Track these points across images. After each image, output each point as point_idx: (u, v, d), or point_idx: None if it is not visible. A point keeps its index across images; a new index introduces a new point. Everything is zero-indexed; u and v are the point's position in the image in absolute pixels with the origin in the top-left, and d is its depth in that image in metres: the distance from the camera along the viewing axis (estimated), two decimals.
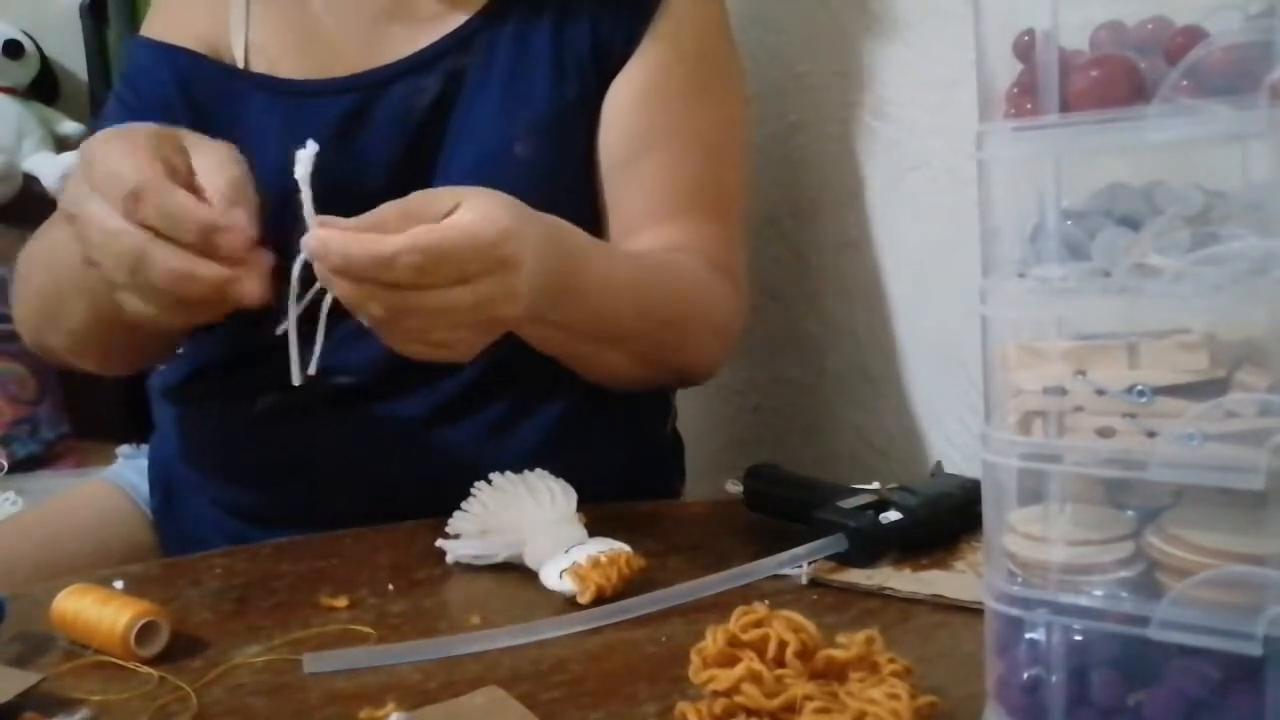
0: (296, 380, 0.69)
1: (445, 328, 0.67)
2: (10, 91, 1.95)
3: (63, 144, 1.98)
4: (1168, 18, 0.44)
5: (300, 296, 0.68)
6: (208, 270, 0.64)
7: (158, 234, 0.63)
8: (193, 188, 0.66)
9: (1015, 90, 0.45)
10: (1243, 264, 0.41)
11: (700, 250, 0.89)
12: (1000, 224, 0.47)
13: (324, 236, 0.63)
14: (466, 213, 0.66)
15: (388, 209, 0.66)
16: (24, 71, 1.97)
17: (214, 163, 0.68)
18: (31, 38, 1.99)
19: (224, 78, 0.91)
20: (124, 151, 0.65)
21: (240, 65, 0.92)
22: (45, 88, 2.03)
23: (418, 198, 0.67)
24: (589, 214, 0.91)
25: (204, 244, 0.64)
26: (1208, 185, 0.43)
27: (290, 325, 0.68)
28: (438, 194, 0.68)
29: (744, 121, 0.99)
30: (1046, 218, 0.45)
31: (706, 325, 0.90)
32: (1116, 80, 0.43)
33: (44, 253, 0.84)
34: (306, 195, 0.65)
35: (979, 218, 0.47)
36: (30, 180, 1.90)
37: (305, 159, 0.65)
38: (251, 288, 0.65)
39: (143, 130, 0.68)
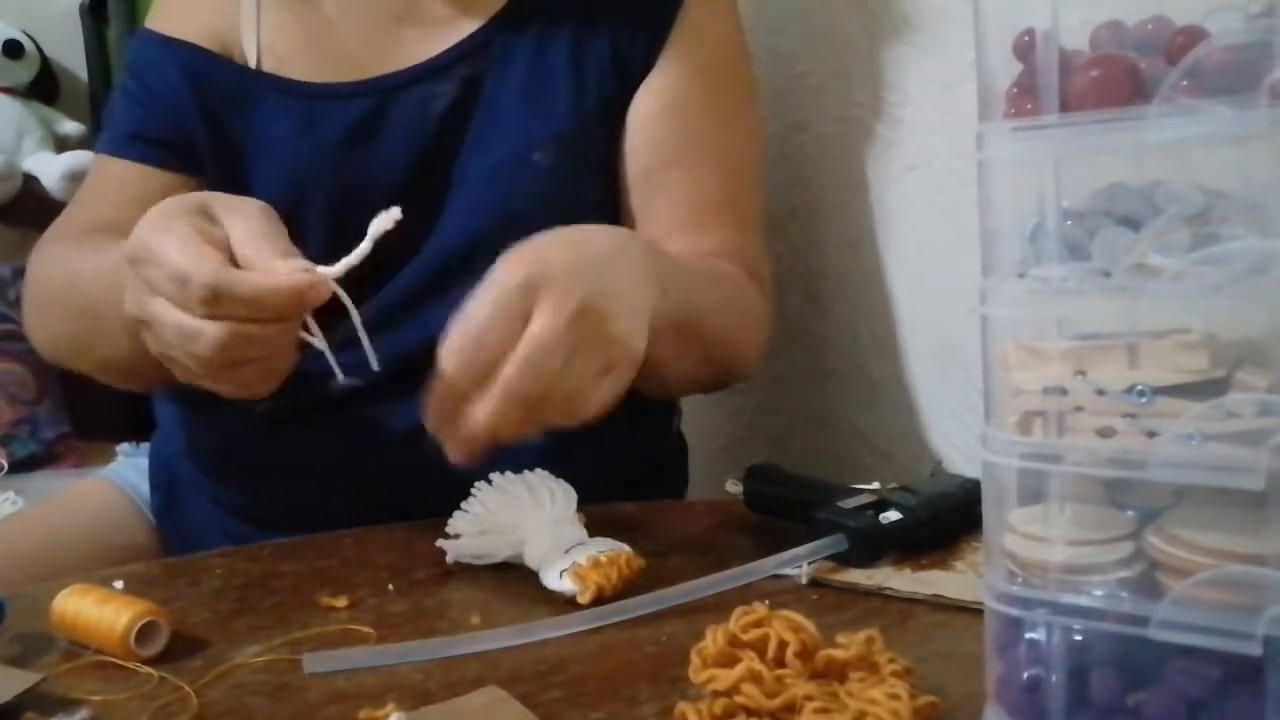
0: (375, 367, 0.69)
1: (564, 377, 0.65)
2: (10, 91, 1.95)
3: (63, 144, 1.98)
4: (1168, 18, 0.44)
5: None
6: (283, 335, 0.64)
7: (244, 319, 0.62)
8: (229, 252, 0.64)
9: (1015, 90, 0.45)
10: (1243, 264, 0.41)
11: (729, 258, 0.90)
12: (1000, 224, 0.47)
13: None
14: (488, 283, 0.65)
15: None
16: (24, 71, 1.97)
17: (247, 223, 0.65)
18: (31, 38, 1.99)
19: (236, 77, 0.90)
20: (176, 248, 0.62)
21: (252, 65, 0.91)
22: (45, 88, 2.03)
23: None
24: (607, 222, 0.91)
25: (293, 310, 0.63)
26: (1208, 185, 0.43)
27: (356, 325, 0.67)
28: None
29: (763, 132, 1.00)
30: (1046, 218, 0.45)
31: (751, 325, 0.90)
32: (1116, 80, 0.43)
33: (80, 277, 0.82)
34: (362, 251, 0.63)
35: (979, 218, 0.47)
36: (30, 180, 1.90)
37: (387, 218, 0.63)
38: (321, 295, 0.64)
39: (180, 213, 0.65)
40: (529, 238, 0.68)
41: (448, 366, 0.64)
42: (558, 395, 0.65)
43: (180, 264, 0.62)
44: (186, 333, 0.63)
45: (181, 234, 0.63)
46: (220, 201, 0.67)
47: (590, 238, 0.71)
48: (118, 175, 0.91)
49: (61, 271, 0.86)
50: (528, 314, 0.64)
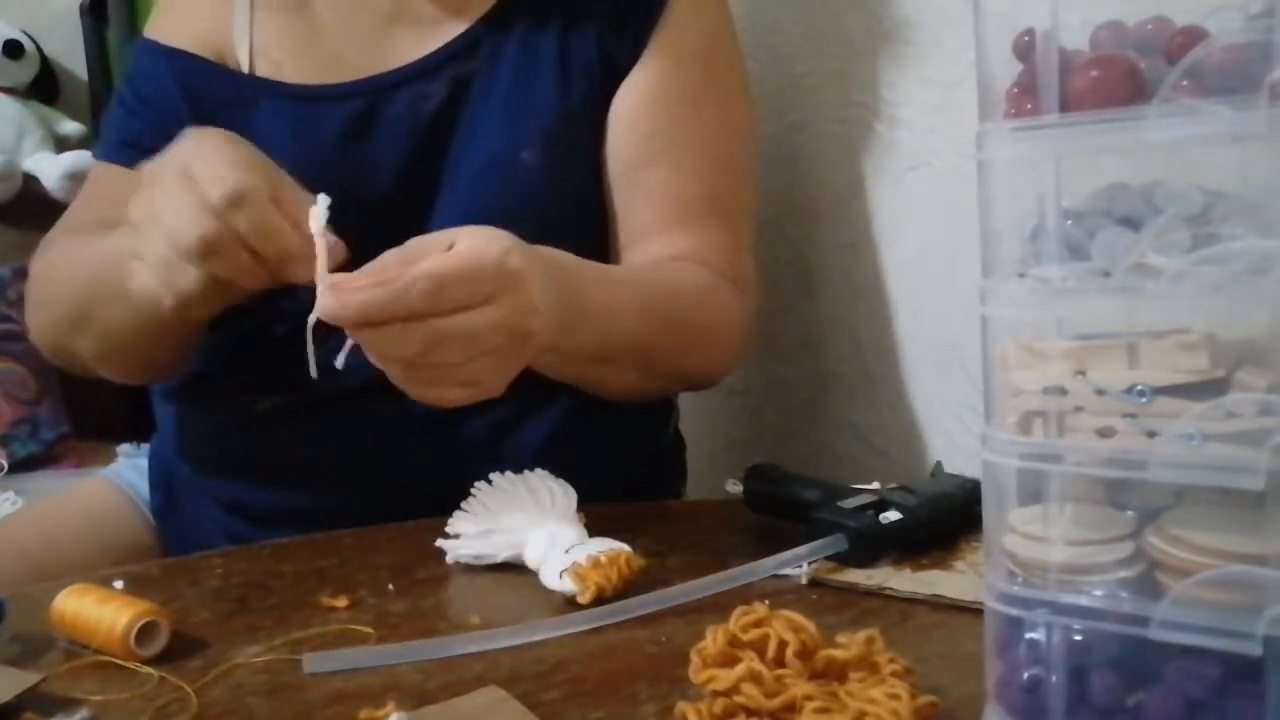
0: (314, 373, 0.70)
1: (472, 355, 0.67)
2: (10, 91, 1.95)
3: (63, 144, 1.98)
4: (1168, 18, 0.44)
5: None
6: (256, 278, 0.70)
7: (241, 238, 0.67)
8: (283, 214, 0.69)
9: (1015, 90, 0.45)
10: (1243, 264, 0.41)
11: (708, 258, 0.89)
12: (1000, 224, 0.47)
13: (336, 294, 0.64)
14: (464, 243, 0.67)
15: (387, 257, 0.67)
16: (24, 71, 1.97)
17: (305, 204, 0.70)
18: (31, 38, 1.99)
19: (229, 82, 0.91)
20: (231, 161, 0.69)
21: (245, 69, 0.92)
22: (45, 88, 2.03)
23: (413, 244, 0.68)
24: (595, 221, 0.91)
25: (278, 267, 0.69)
26: (1208, 185, 0.43)
27: (309, 330, 0.69)
28: (431, 237, 0.69)
29: (751, 127, 0.99)
30: (1046, 218, 0.45)
31: (713, 334, 0.90)
32: (1116, 80, 0.43)
33: (80, 260, 0.85)
34: (321, 248, 0.67)
35: (979, 218, 0.47)
36: (30, 180, 1.90)
37: (321, 212, 0.67)
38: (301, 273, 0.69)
39: (247, 144, 0.72)
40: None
41: (395, 289, 0.64)
42: (444, 361, 0.67)
43: (225, 169, 0.68)
44: (187, 206, 0.67)
45: (243, 155, 0.70)
46: (287, 178, 0.72)
47: (535, 257, 0.72)
48: (114, 181, 0.92)
49: (65, 259, 0.87)
50: (485, 297, 0.66)
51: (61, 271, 0.87)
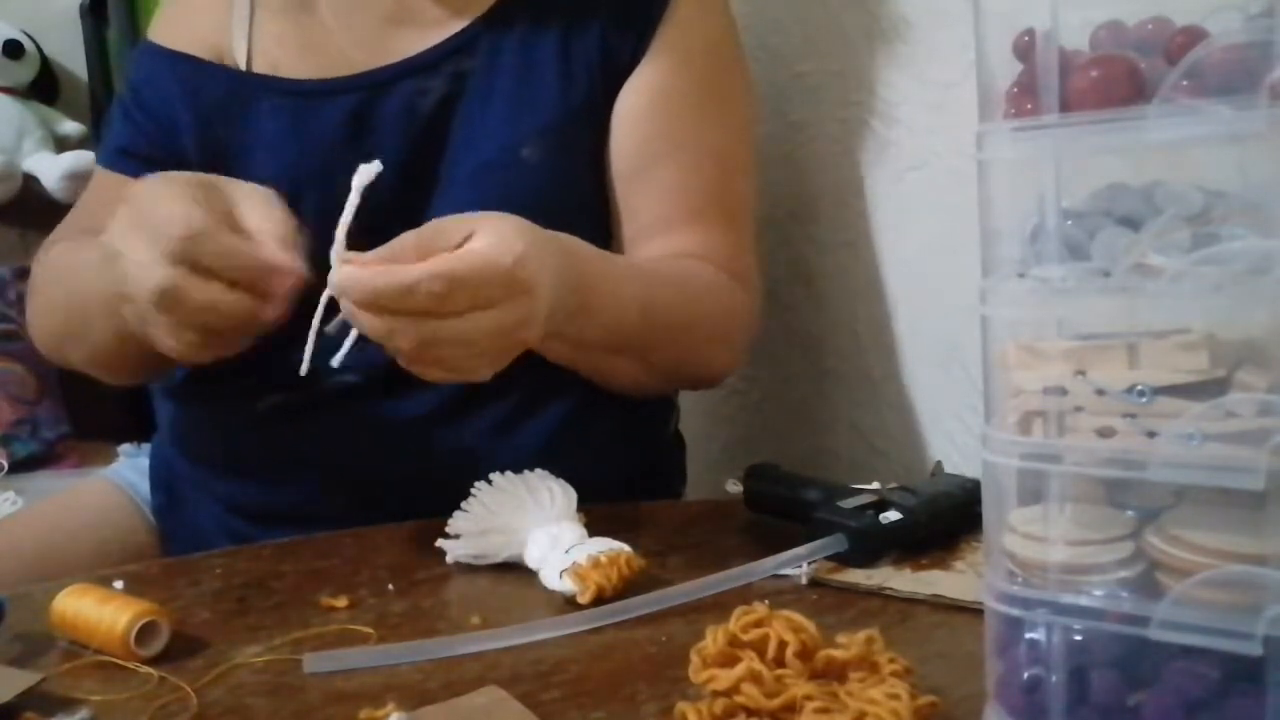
0: (304, 371, 0.71)
1: (467, 354, 0.68)
2: (10, 91, 1.95)
3: (63, 144, 1.98)
4: (1168, 18, 0.44)
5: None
6: (236, 301, 0.67)
7: (207, 273, 0.67)
8: (239, 232, 0.69)
9: (1015, 90, 0.45)
10: (1243, 264, 0.41)
11: (713, 256, 0.90)
12: (1000, 224, 0.47)
13: (348, 272, 0.65)
14: (481, 239, 0.67)
15: (404, 240, 0.67)
16: (24, 71, 1.98)
17: (261, 208, 0.70)
18: (31, 38, 1.99)
19: (230, 82, 0.91)
20: (173, 197, 0.68)
21: (243, 68, 0.92)
22: (45, 88, 2.04)
23: (431, 228, 0.69)
24: (596, 219, 0.91)
25: (258, 285, 0.68)
26: (1208, 185, 0.43)
27: (312, 333, 0.70)
28: (451, 223, 0.70)
29: (753, 127, 0.99)
30: (1046, 218, 0.45)
31: (717, 332, 0.91)
32: (1116, 80, 0.43)
33: (69, 270, 0.86)
34: (352, 205, 0.67)
35: (979, 218, 0.47)
36: (30, 180, 1.90)
37: (367, 172, 0.67)
38: (276, 312, 0.69)
39: (187, 178, 0.71)
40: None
41: (405, 283, 0.64)
42: (437, 355, 0.68)
43: (171, 210, 0.67)
44: (142, 265, 0.67)
45: (182, 190, 0.68)
46: (234, 185, 0.72)
47: (547, 249, 0.72)
48: (114, 188, 0.93)
49: (56, 269, 0.88)
50: (489, 302, 0.66)
51: (53, 281, 0.88)
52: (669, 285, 0.87)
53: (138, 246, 0.67)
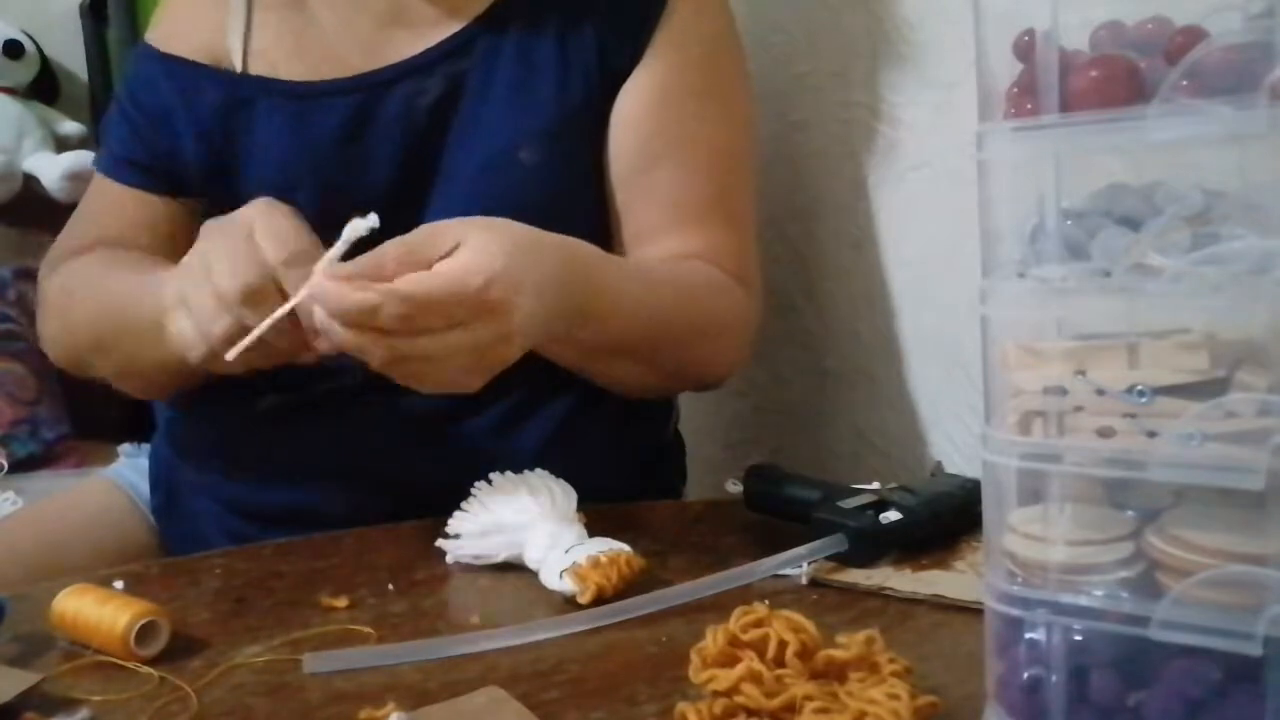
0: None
1: (443, 370, 0.69)
2: (10, 91, 1.95)
3: (63, 144, 1.98)
4: (1168, 18, 0.44)
5: None
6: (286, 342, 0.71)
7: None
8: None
9: (1015, 90, 0.45)
10: (1243, 264, 0.41)
11: (714, 257, 0.90)
12: (1000, 224, 0.47)
13: (317, 283, 0.67)
14: (461, 255, 0.68)
15: (390, 247, 0.68)
16: (24, 71, 1.97)
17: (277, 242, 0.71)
18: (31, 38, 1.99)
19: (227, 85, 0.91)
20: (296, 228, 0.71)
21: (239, 70, 0.92)
22: (45, 88, 2.03)
23: (421, 234, 0.70)
24: (594, 220, 0.91)
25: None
26: (1208, 185, 0.43)
27: (257, 331, 0.70)
28: (442, 230, 0.71)
29: (753, 128, 0.99)
30: (1046, 218, 0.45)
31: (720, 333, 0.91)
32: (1116, 80, 0.43)
33: (103, 285, 0.86)
34: (341, 246, 0.68)
35: (979, 218, 0.47)
36: (30, 180, 1.90)
37: (361, 225, 0.68)
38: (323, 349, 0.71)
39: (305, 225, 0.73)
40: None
41: (367, 302, 0.65)
42: (410, 371, 0.70)
43: (282, 224, 0.71)
44: (237, 268, 0.69)
45: (296, 221, 0.72)
46: (260, 224, 0.73)
47: (544, 258, 0.73)
48: (116, 198, 0.95)
49: (87, 283, 0.88)
50: (456, 323, 0.67)
51: (84, 295, 0.88)
52: (671, 287, 0.87)
53: (242, 252, 0.69)
